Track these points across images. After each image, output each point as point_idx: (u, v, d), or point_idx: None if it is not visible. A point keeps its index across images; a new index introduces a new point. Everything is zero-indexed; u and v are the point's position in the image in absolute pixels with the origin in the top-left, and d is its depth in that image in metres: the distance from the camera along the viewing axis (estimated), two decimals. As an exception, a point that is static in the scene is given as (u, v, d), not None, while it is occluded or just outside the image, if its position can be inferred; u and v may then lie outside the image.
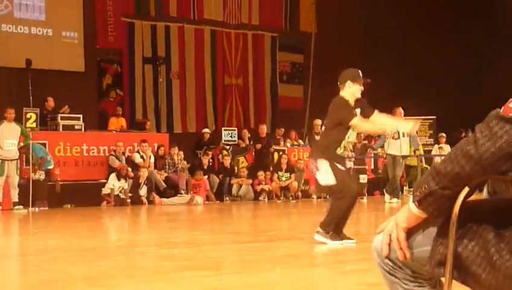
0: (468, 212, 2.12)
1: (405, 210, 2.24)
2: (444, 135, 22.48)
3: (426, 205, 2.14)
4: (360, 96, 8.32)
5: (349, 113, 8.16)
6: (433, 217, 2.16)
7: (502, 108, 2.02)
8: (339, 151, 8.20)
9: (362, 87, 8.29)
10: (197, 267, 6.47)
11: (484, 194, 2.57)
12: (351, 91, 8.24)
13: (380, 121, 8.47)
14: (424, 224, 2.21)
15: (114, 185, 17.26)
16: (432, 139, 23.59)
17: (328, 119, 8.49)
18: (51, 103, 18.76)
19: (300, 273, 6.06)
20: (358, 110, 8.33)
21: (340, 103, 8.28)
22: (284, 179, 19.66)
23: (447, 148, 21.35)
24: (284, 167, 19.86)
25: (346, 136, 8.21)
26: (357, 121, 8.16)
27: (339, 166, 8.12)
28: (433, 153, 22.02)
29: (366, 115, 8.35)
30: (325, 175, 8.11)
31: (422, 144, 21.42)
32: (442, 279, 2.24)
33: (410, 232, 2.23)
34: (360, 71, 8.41)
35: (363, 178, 19.88)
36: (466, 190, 2.06)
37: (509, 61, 20.30)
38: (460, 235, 2.11)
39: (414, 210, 2.19)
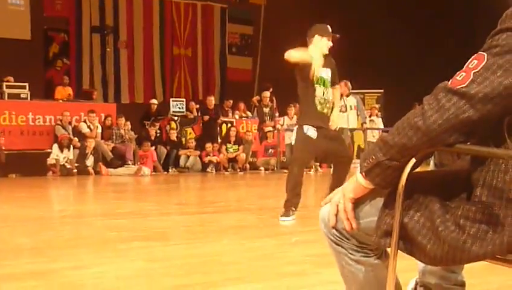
0: (415, 184, 2.13)
1: (352, 181, 2.24)
2: (377, 106, 22.47)
3: (373, 176, 2.15)
4: (327, 52, 8.04)
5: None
6: (380, 187, 2.17)
7: (450, 80, 2.03)
8: (318, 108, 7.92)
9: (331, 43, 8.04)
10: (144, 238, 6.45)
11: (431, 166, 2.60)
12: (319, 46, 7.98)
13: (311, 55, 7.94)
14: (371, 195, 2.22)
15: (58, 155, 17.09)
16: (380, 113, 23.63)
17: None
18: (-6, 71, 18.49)
19: (247, 244, 6.08)
20: (328, 70, 8.15)
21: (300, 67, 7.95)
22: (232, 150, 19.67)
23: (378, 121, 21.44)
24: (233, 139, 19.86)
25: (317, 93, 7.93)
26: (288, 53, 7.77)
27: (309, 130, 7.88)
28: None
29: (333, 82, 8.15)
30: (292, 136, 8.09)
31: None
32: (388, 249, 2.26)
33: (357, 203, 2.25)
34: (328, 26, 8.16)
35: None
36: (413, 161, 2.07)
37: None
38: (407, 206, 2.13)
39: (361, 181, 2.19)
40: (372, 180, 2.16)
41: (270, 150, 20.02)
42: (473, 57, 2.03)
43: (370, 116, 21.62)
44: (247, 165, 19.78)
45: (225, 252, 5.67)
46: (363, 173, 2.17)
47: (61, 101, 19.32)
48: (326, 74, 8.11)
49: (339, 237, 2.33)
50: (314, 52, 7.93)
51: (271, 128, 20.23)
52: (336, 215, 2.28)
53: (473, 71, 1.98)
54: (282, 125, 20.10)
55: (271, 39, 24.93)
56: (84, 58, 23.38)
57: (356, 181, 2.22)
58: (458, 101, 1.97)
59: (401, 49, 24.10)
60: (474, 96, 1.95)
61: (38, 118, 18.00)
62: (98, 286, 4.36)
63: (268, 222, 7.76)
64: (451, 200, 2.11)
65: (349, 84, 17.01)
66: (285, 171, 18.97)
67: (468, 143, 2.04)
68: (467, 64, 2.02)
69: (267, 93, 20.88)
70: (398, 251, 2.16)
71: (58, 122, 17.95)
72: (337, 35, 8.17)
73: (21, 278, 4.57)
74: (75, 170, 17.20)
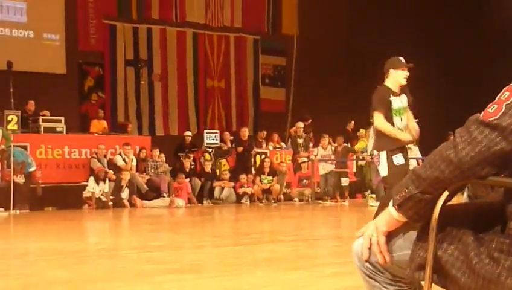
0: (448, 216, 2.13)
1: (385, 214, 2.24)
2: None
3: (406, 209, 2.14)
4: (404, 82, 8.52)
5: (378, 103, 8.40)
6: (412, 221, 2.17)
7: (482, 113, 2.02)
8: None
9: (407, 73, 8.50)
10: (178, 271, 6.46)
11: (464, 198, 2.59)
12: (396, 78, 8.47)
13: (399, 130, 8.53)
14: (404, 228, 2.22)
15: (94, 188, 17.22)
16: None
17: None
18: (31, 106, 18.74)
19: (281, 276, 6.06)
20: (404, 97, 8.52)
21: (376, 92, 8.54)
22: (266, 181, 19.66)
23: (415, 150, 21.25)
24: (267, 170, 19.85)
25: (396, 122, 8.41)
26: (378, 120, 8.35)
27: (396, 158, 8.23)
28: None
29: (408, 105, 8.62)
30: (381, 167, 8.31)
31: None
32: (422, 283, 2.25)
33: (390, 236, 2.24)
34: (401, 58, 8.61)
35: (345, 181, 19.92)
36: (446, 194, 2.07)
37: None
38: (440, 239, 2.12)
39: (394, 214, 2.19)
40: (405, 213, 2.16)
41: (305, 181, 19.98)
42: (505, 88, 2.03)
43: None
44: (282, 197, 19.74)
45: (259, 284, 5.66)
46: (396, 206, 2.17)
47: (96, 134, 19.49)
48: (401, 101, 8.58)
49: (373, 271, 2.32)
50: (400, 134, 8.38)
51: (305, 159, 20.20)
52: (369, 248, 2.27)
53: (505, 103, 1.98)
54: (316, 156, 20.07)
55: (304, 69, 25.01)
56: (118, 92, 23.56)
57: (389, 214, 2.21)
58: (490, 133, 1.96)
59: (432, 76, 24.01)
60: (507, 128, 1.95)
61: (74, 151, 18.16)
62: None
63: (302, 253, 7.73)
64: (485, 233, 2.10)
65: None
66: (320, 202, 19.02)
67: (502, 175, 2.03)
68: (498, 96, 2.02)
69: (300, 124, 20.89)
70: (433, 284, 2.14)
71: (94, 155, 18.09)
72: (411, 64, 8.59)
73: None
74: (111, 203, 17.29)
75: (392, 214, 2.20)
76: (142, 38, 24.00)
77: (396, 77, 8.48)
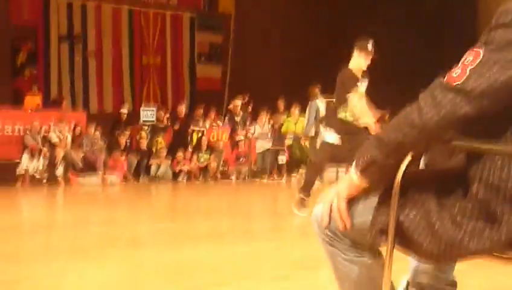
0: (410, 182, 2.11)
1: (346, 179, 2.21)
2: None
3: (368, 174, 2.12)
4: (364, 68, 8.50)
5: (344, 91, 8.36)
6: (374, 186, 2.15)
7: (446, 77, 2.01)
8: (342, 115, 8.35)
9: (369, 61, 8.45)
10: (117, 246, 6.38)
11: (421, 166, 2.58)
12: (355, 62, 8.49)
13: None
14: (365, 193, 2.20)
15: (27, 165, 16.90)
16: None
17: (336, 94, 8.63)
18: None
19: (224, 250, 6.05)
20: (365, 83, 8.48)
21: (341, 76, 8.52)
22: (203, 159, 19.59)
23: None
24: (204, 147, 19.78)
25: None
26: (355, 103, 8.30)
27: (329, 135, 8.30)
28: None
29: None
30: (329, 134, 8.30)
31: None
32: (382, 249, 2.23)
33: (350, 202, 2.21)
34: (370, 42, 8.50)
35: (281, 159, 19.97)
36: (408, 158, 2.05)
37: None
38: (402, 204, 2.10)
39: (355, 179, 2.17)
40: (367, 178, 2.13)
41: (242, 159, 19.98)
42: (467, 53, 2.01)
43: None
44: (219, 174, 19.69)
45: (201, 257, 5.62)
46: (358, 172, 2.14)
47: (30, 110, 19.09)
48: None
49: (333, 237, 2.30)
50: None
51: (242, 137, 20.19)
52: (330, 214, 2.25)
53: (469, 68, 1.97)
54: (253, 134, 20.07)
55: (240, 48, 24.96)
56: (52, 68, 23.17)
57: (350, 180, 2.19)
58: (455, 97, 1.95)
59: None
60: (471, 92, 1.94)
61: (7, 128, 17.79)
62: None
63: (241, 228, 7.72)
64: (447, 197, 2.09)
65: (316, 90, 16.95)
66: (257, 179, 19.06)
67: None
68: (462, 60, 2.01)
69: (238, 102, 20.84)
70: (394, 249, 2.13)
71: (27, 131, 17.74)
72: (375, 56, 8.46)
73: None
74: (45, 181, 17.01)
75: (353, 180, 2.18)
76: (76, 13, 23.62)
77: (359, 62, 8.51)
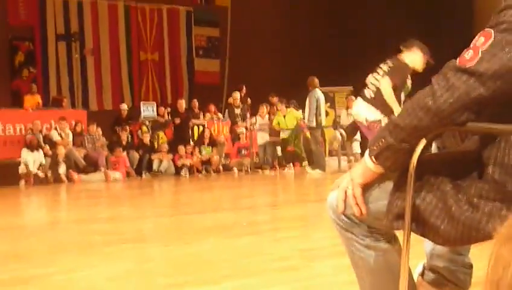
0: (425, 165, 2.11)
1: (361, 165, 2.22)
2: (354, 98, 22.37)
3: (383, 160, 2.12)
4: (420, 70, 8.50)
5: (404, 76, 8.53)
6: (390, 171, 2.15)
7: (458, 59, 2.01)
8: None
9: (424, 65, 8.49)
10: (124, 241, 6.39)
11: (433, 149, 2.58)
12: (413, 57, 8.47)
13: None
14: (380, 178, 2.20)
15: (27, 159, 16.88)
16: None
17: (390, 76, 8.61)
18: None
19: (232, 242, 6.05)
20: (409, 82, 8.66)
21: (401, 64, 8.57)
22: (205, 153, 19.60)
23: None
24: (206, 141, 19.82)
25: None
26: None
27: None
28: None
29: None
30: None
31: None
32: (398, 233, 2.24)
33: (365, 188, 2.22)
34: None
35: (280, 150, 19.96)
36: (423, 142, 2.05)
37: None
38: (418, 188, 2.11)
39: (370, 165, 2.17)
40: (382, 163, 2.14)
41: (243, 151, 19.98)
42: (479, 34, 2.01)
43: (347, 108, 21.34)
44: (221, 167, 19.69)
45: (212, 250, 5.63)
46: (373, 157, 2.14)
47: (31, 110, 19.10)
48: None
49: (348, 223, 2.31)
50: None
51: (243, 129, 20.20)
52: (345, 201, 2.25)
53: (481, 49, 1.97)
54: (253, 125, 20.07)
55: (238, 41, 24.96)
56: (50, 67, 23.22)
57: (365, 165, 2.19)
58: (468, 79, 1.95)
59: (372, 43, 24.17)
60: (484, 73, 1.94)
61: (9, 128, 17.80)
62: (88, 288, 4.30)
63: (247, 221, 7.72)
64: (463, 179, 2.09)
65: (315, 80, 16.84)
66: (259, 171, 19.06)
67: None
68: (473, 41, 2.01)
69: (237, 94, 20.85)
70: (411, 233, 2.13)
71: (29, 130, 17.76)
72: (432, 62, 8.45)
73: (8, 284, 4.49)
74: (46, 176, 17.00)
75: (368, 165, 2.18)
76: (72, 11, 23.63)
77: (416, 58, 8.54)
